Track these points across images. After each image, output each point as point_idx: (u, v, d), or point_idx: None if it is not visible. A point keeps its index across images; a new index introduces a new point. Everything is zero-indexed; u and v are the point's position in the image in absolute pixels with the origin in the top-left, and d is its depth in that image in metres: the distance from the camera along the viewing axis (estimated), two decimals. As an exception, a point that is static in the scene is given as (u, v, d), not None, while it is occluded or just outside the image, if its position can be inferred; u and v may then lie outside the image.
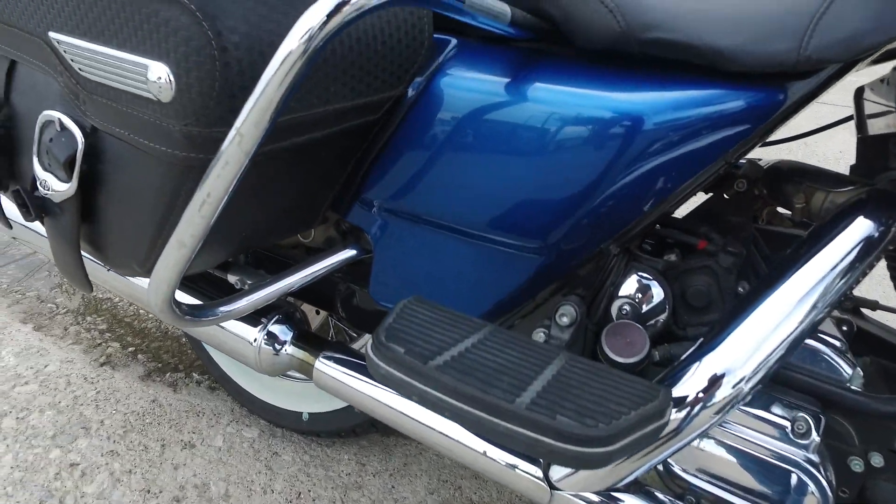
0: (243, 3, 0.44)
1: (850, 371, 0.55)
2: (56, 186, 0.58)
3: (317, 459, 0.99)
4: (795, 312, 0.49)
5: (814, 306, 0.50)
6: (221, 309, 0.60)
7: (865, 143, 0.66)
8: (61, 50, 0.52)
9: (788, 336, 0.49)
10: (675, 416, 0.50)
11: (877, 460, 0.55)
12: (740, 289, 0.64)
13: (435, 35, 0.59)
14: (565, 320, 0.57)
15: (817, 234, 0.53)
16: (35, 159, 0.59)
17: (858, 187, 0.58)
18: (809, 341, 0.55)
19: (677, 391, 0.50)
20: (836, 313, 0.67)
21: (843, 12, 0.46)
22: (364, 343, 0.94)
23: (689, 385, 0.50)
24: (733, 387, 0.49)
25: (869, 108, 0.65)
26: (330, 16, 0.39)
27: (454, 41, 0.59)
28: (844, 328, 0.64)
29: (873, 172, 0.63)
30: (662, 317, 0.61)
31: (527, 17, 0.52)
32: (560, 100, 0.52)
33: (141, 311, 1.35)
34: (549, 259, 0.56)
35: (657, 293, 0.61)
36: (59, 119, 0.56)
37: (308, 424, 0.97)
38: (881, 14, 0.46)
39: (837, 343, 0.56)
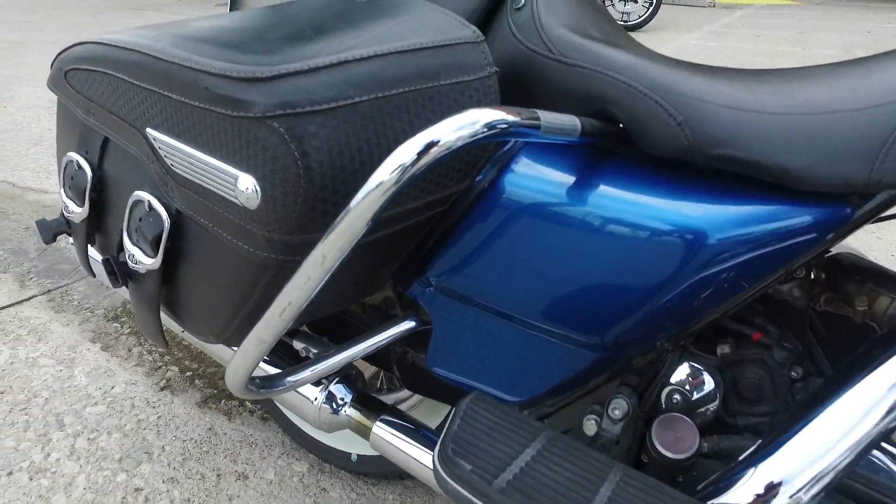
0: (327, 124, 0.48)
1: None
2: (142, 259, 0.63)
3: (363, 497, 1.02)
4: (863, 422, 0.49)
5: (884, 416, 0.50)
6: (289, 379, 0.64)
7: None
8: (156, 145, 0.57)
9: (854, 446, 0.50)
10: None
11: None
12: (794, 374, 0.64)
13: None
14: (617, 413, 0.59)
15: (887, 340, 0.53)
16: (125, 233, 0.65)
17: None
18: (875, 452, 0.55)
19: (728, 498, 0.51)
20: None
21: None
22: (415, 402, 0.97)
23: (743, 493, 0.51)
24: (790, 497, 0.50)
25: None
26: (420, 154, 0.42)
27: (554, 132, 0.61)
28: None
29: None
30: (713, 406, 0.62)
31: (595, 124, 0.54)
32: (622, 206, 0.54)
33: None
34: (603, 354, 0.58)
35: (708, 384, 0.62)
36: (149, 201, 0.61)
37: (357, 465, 1.01)
38: None
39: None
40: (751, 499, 0.50)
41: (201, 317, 0.64)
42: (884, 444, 0.56)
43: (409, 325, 0.71)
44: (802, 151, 0.49)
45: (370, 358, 0.85)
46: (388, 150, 0.49)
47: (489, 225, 0.60)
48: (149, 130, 0.58)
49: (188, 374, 1.29)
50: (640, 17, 5.83)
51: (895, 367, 0.51)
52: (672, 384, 0.62)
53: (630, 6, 5.80)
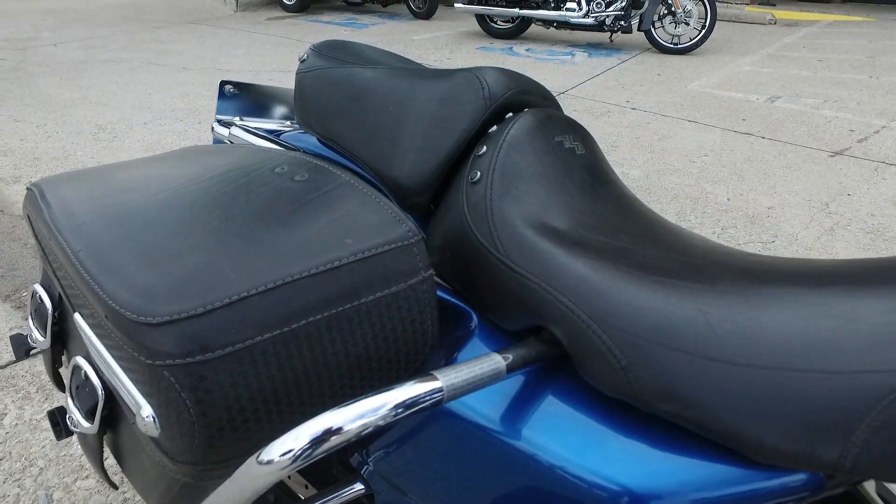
0: (222, 369, 0.45)
1: None
2: (81, 422, 0.62)
3: None
4: None
5: None
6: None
7: None
8: (86, 337, 0.55)
9: None
10: None
11: None
12: None
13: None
14: None
15: None
16: (67, 393, 0.64)
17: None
18: None
19: None
20: None
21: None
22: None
23: None
24: None
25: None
26: (314, 442, 0.39)
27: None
28: None
29: None
30: None
31: (530, 355, 0.49)
32: (551, 439, 0.49)
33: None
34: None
35: None
36: (85, 371, 0.60)
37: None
38: None
39: None
40: None
41: (141, 483, 0.63)
42: None
43: (359, 489, 0.68)
44: (762, 418, 0.41)
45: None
46: (297, 384, 0.46)
47: (419, 425, 0.57)
48: (77, 316, 0.57)
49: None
50: (690, 40, 5.62)
51: None
52: None
53: (681, 28, 5.59)
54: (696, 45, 5.63)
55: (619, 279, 0.47)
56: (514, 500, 0.50)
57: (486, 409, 0.53)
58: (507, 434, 0.51)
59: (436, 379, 0.42)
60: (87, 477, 1.22)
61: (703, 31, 5.56)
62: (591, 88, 4.38)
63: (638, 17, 5.59)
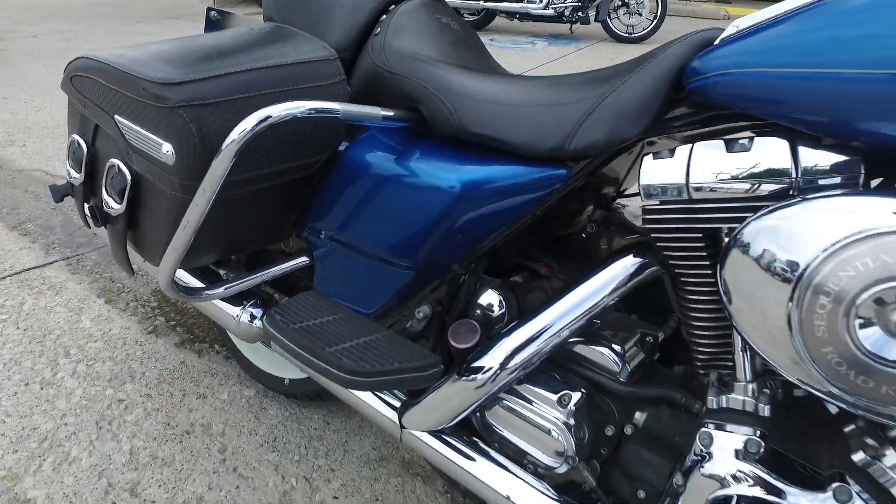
0: (215, 112, 0.74)
1: (618, 366, 0.77)
2: (113, 206, 0.90)
3: (294, 416, 1.28)
4: (557, 322, 0.74)
5: (573, 319, 0.73)
6: (206, 293, 0.90)
7: None
8: (121, 126, 0.85)
9: (553, 335, 0.74)
10: (482, 376, 0.75)
11: (628, 430, 0.77)
12: None
13: None
14: (421, 315, 0.83)
15: (599, 265, 0.77)
16: (103, 189, 0.92)
17: (638, 238, 0.81)
18: (595, 345, 0.78)
19: (482, 361, 0.75)
20: (645, 329, 0.88)
21: (593, 125, 0.70)
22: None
23: (490, 358, 0.75)
24: (519, 360, 0.74)
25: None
26: (258, 125, 0.68)
27: (379, 121, 0.87)
28: (649, 339, 0.85)
29: None
30: (496, 314, 0.86)
31: (399, 114, 0.79)
32: (420, 168, 0.79)
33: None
34: (417, 274, 0.83)
35: (496, 300, 0.85)
36: (118, 164, 0.89)
37: (288, 388, 1.27)
38: (616, 127, 0.69)
39: (616, 346, 0.79)
40: (494, 362, 0.75)
41: (151, 246, 0.91)
42: (606, 339, 0.78)
43: (303, 260, 0.97)
44: (522, 131, 0.73)
45: (287, 291, 1.11)
46: None
47: (342, 185, 0.86)
48: (116, 116, 0.86)
49: (171, 323, 1.57)
50: (644, 30, 6.00)
51: (583, 289, 0.74)
52: (472, 300, 0.86)
53: (634, 19, 5.98)
54: (649, 34, 6.01)
55: (456, 74, 0.80)
56: (406, 213, 0.80)
57: (380, 162, 0.83)
58: (396, 171, 0.81)
59: (343, 105, 0.72)
60: (95, 341, 1.48)
61: (655, 20, 5.95)
62: (547, 70, 4.72)
63: (595, 9, 5.96)
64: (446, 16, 0.96)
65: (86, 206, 1.10)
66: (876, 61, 0.51)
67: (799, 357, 0.55)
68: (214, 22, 1.30)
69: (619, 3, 5.95)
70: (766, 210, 0.56)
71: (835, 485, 0.58)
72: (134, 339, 1.49)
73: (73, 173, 1.03)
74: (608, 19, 5.97)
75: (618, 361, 0.78)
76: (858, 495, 0.57)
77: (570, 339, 0.76)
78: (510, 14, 6.20)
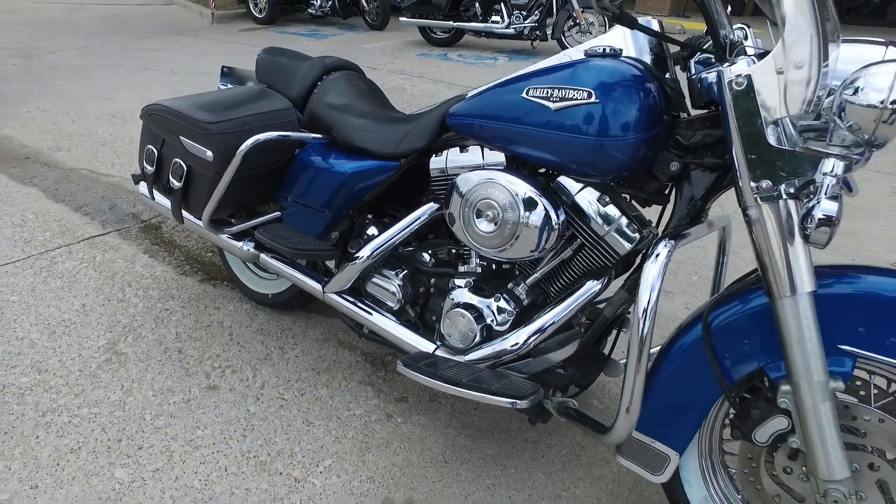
0: (233, 135, 1.54)
1: (429, 259, 1.56)
2: (175, 184, 1.70)
3: (273, 317, 2.07)
4: (392, 237, 1.52)
5: (398, 235, 1.52)
6: (226, 229, 1.70)
7: None
8: (183, 142, 1.64)
9: (389, 241, 1.52)
10: (357, 263, 1.54)
11: (432, 290, 1.56)
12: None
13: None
14: (334, 237, 1.63)
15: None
16: (169, 175, 1.72)
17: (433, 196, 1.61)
18: (418, 250, 1.57)
19: (358, 254, 1.54)
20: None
21: (408, 140, 1.49)
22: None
23: (361, 252, 1.53)
24: (374, 253, 1.52)
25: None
26: (254, 143, 1.48)
27: (312, 140, 1.66)
28: (440, 246, 1.64)
29: None
30: (371, 236, 1.64)
31: (323, 136, 1.59)
32: (332, 163, 1.58)
33: (205, 251, 2.49)
34: (332, 216, 1.61)
35: (371, 231, 1.63)
36: (179, 161, 1.68)
37: (271, 299, 2.06)
38: (417, 141, 1.48)
39: (427, 253, 1.57)
40: (361, 255, 1.54)
41: (195, 205, 1.71)
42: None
43: (276, 214, 1.75)
44: (379, 144, 1.51)
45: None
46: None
47: (296, 172, 1.65)
48: (181, 137, 1.65)
49: (195, 268, 2.36)
50: (594, 47, 6.81)
51: (408, 217, 1.53)
52: (361, 230, 1.64)
53: (586, 37, 6.79)
54: (599, 50, 6.82)
55: (348, 116, 1.59)
56: (325, 185, 1.59)
57: (313, 160, 1.62)
58: (321, 164, 1.60)
59: (290, 134, 1.52)
60: (146, 279, 2.26)
61: (603, 39, 6.76)
62: (500, 84, 5.50)
63: (551, 27, 6.77)
64: (359, 80, 1.75)
65: (154, 187, 1.90)
66: (516, 120, 1.28)
67: (468, 236, 1.33)
68: (227, 73, 2.09)
69: (572, 23, 6.76)
70: (462, 176, 1.34)
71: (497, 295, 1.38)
72: (171, 278, 2.28)
73: (148, 168, 1.82)
74: (562, 37, 6.78)
75: (428, 259, 1.56)
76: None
77: (401, 245, 1.55)
78: (477, 32, 7.01)
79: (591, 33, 6.73)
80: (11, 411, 1.61)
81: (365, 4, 8.37)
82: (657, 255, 1.06)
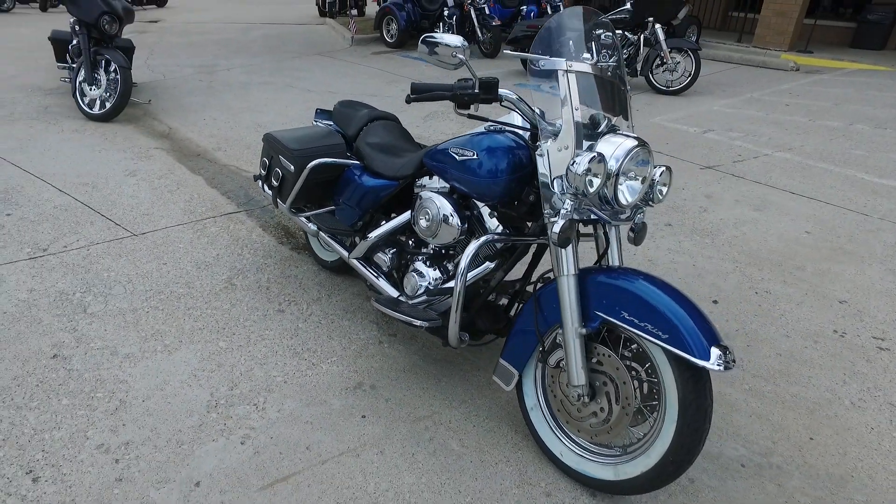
0: (304, 154, 2.57)
1: (411, 240, 2.46)
2: (275, 184, 2.78)
3: (329, 277, 3.09)
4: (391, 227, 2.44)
5: (395, 227, 2.44)
6: (302, 214, 2.75)
7: None
8: (280, 159, 2.71)
9: (388, 230, 2.44)
10: (366, 241, 2.48)
11: (409, 258, 2.46)
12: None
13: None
14: (360, 225, 2.58)
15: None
16: (272, 178, 2.81)
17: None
18: (402, 236, 2.47)
19: (369, 235, 2.48)
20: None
21: (402, 168, 2.41)
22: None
23: (371, 235, 2.47)
24: (378, 235, 2.46)
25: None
26: (314, 164, 2.50)
27: (352, 165, 2.63)
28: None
29: None
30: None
31: (360, 162, 2.57)
32: (363, 180, 2.54)
33: (296, 230, 3.60)
34: (361, 212, 2.57)
35: (383, 222, 2.57)
36: (278, 169, 2.76)
37: (329, 265, 3.08)
38: (406, 169, 2.39)
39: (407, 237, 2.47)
40: (370, 234, 2.48)
41: (284, 196, 2.78)
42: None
43: (331, 208, 2.75)
44: (388, 169, 2.44)
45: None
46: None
47: (342, 185, 2.64)
48: (279, 155, 2.72)
49: (290, 241, 3.46)
50: (681, 85, 7.23)
51: (404, 215, 2.44)
52: (377, 222, 2.58)
53: (673, 75, 7.23)
54: (685, 88, 7.23)
55: (376, 151, 2.55)
56: (357, 193, 2.56)
57: (352, 177, 2.60)
58: (356, 180, 2.57)
59: (340, 161, 2.52)
60: (257, 244, 3.40)
61: (690, 78, 7.16)
62: (573, 117, 6.21)
63: (640, 64, 7.30)
64: (393, 127, 2.72)
65: (265, 184, 3.01)
66: (445, 164, 2.15)
67: (418, 229, 2.21)
68: (319, 113, 3.15)
69: (659, 62, 7.23)
70: (420, 193, 2.23)
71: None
72: (272, 245, 3.40)
73: (262, 171, 2.93)
74: (650, 74, 7.28)
75: (405, 242, 2.46)
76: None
77: (395, 233, 2.45)
78: (570, 66, 7.72)
79: (676, 71, 7.16)
80: (173, 304, 2.77)
81: (480, 35, 9.40)
82: (470, 244, 1.92)
